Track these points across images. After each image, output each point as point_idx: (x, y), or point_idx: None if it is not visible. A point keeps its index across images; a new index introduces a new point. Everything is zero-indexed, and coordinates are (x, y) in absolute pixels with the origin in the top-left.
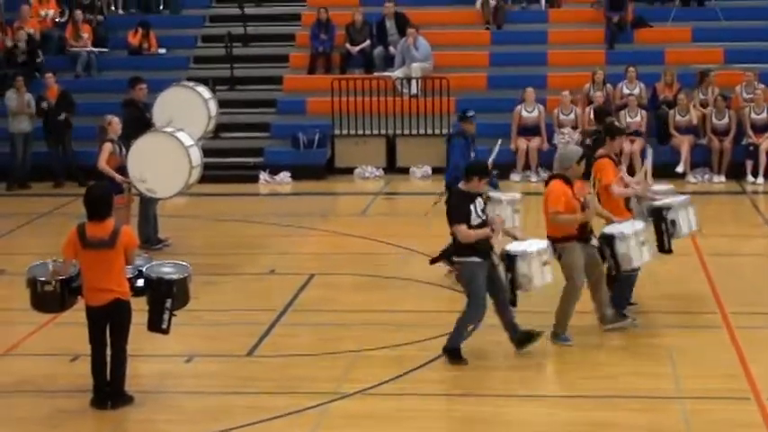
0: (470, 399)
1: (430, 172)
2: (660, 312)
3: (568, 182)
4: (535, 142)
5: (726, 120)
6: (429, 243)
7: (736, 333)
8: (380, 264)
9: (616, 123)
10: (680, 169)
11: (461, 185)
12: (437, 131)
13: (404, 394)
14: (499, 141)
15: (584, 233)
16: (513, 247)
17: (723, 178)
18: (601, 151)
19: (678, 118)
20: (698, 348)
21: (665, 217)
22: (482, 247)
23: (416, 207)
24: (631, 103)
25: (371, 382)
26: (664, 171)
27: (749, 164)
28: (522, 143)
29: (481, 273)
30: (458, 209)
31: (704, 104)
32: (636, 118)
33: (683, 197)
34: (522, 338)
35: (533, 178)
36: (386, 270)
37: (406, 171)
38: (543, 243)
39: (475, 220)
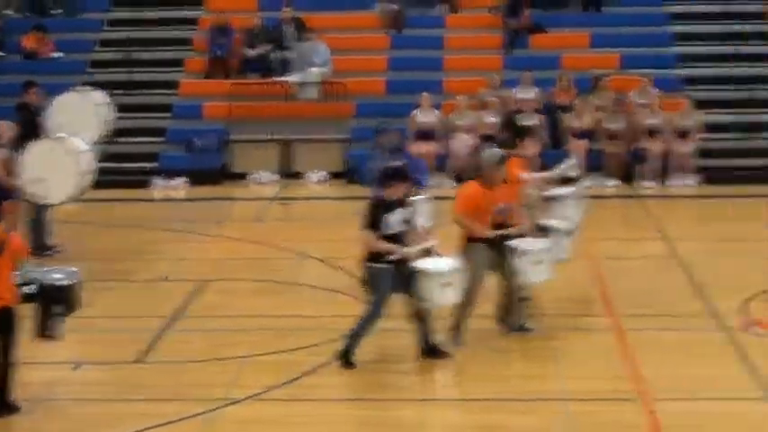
0: (362, 403)
1: (326, 177)
2: (551, 315)
3: (485, 186)
4: (432, 147)
5: (620, 124)
6: (324, 248)
7: (626, 335)
8: (275, 269)
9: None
10: (574, 173)
11: (383, 192)
12: (335, 136)
13: (295, 399)
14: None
15: (499, 237)
16: (422, 262)
17: (616, 182)
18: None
19: (573, 123)
20: (586, 350)
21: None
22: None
23: (312, 212)
24: (527, 107)
25: (262, 387)
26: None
27: (642, 168)
28: (419, 148)
29: (388, 279)
30: (367, 215)
31: (599, 109)
32: (531, 122)
33: (569, 224)
34: (430, 351)
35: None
36: (281, 275)
37: (302, 176)
38: (451, 264)
39: (387, 230)
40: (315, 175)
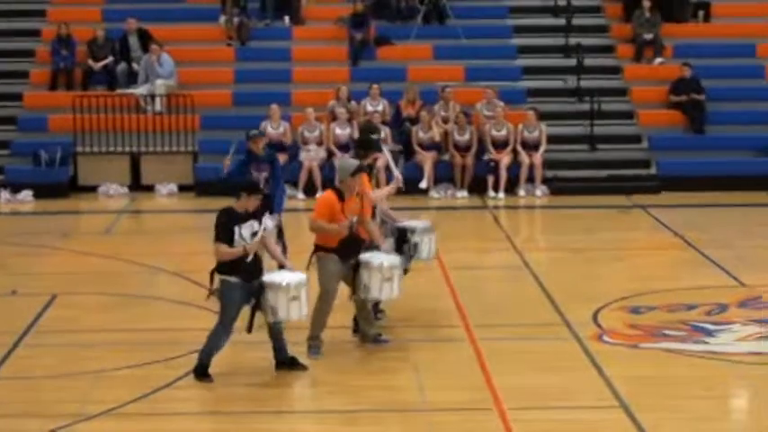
0: (219, 416)
1: (175, 189)
2: (406, 327)
3: (340, 195)
4: (281, 158)
5: (467, 136)
6: (175, 261)
7: (480, 345)
8: (126, 282)
9: (373, 136)
10: (423, 185)
11: (234, 204)
12: (182, 148)
13: (151, 414)
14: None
15: (347, 249)
16: (269, 276)
17: (465, 193)
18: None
19: (421, 135)
20: (442, 361)
21: (408, 239)
22: (245, 268)
23: (162, 225)
24: (375, 120)
25: (117, 402)
26: (408, 187)
27: (490, 179)
28: None
29: (237, 294)
30: (220, 227)
31: (446, 121)
32: (381, 134)
33: (425, 222)
34: (286, 362)
35: None
36: (131, 288)
37: (151, 189)
38: (298, 277)
39: (238, 242)
40: (164, 188)
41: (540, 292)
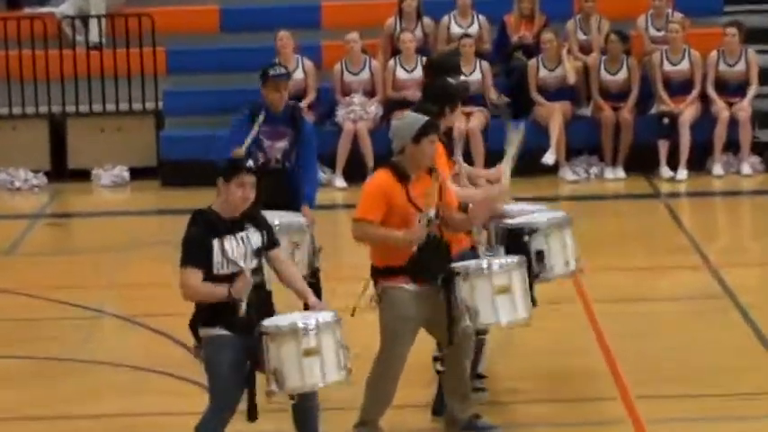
0: None
1: (127, 176)
2: (524, 403)
3: (401, 175)
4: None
5: (623, 74)
6: (127, 299)
7: (647, 429)
8: (43, 336)
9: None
10: (549, 159)
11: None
12: (136, 107)
13: None
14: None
15: (427, 268)
16: (269, 320)
17: (621, 172)
18: None
19: (544, 73)
20: None
21: (527, 245)
22: (232, 314)
23: (103, 237)
24: (465, 49)
25: None
26: (526, 162)
27: (664, 147)
28: None
29: (229, 355)
30: (189, 243)
31: (586, 49)
32: (473, 75)
33: (555, 214)
34: None
35: None
36: (54, 347)
37: (84, 176)
38: (321, 317)
39: (220, 267)
40: (107, 175)
41: (752, 338)
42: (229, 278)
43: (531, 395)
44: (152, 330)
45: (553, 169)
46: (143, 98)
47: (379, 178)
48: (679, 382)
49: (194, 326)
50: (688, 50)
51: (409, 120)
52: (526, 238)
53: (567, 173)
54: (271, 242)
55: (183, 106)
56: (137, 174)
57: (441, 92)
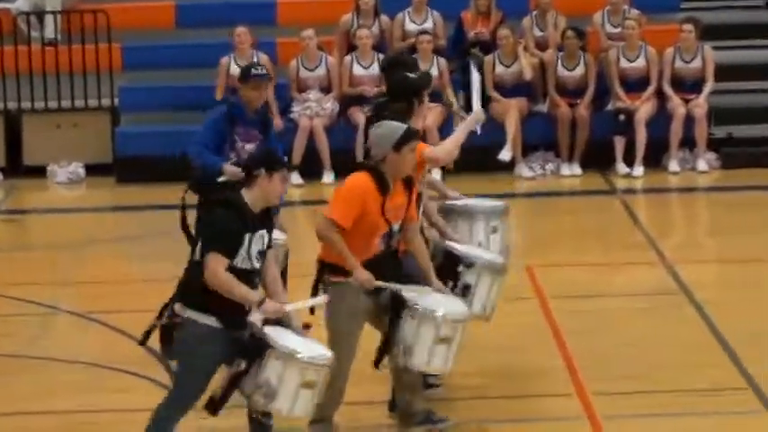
0: None
1: (82, 173)
2: (480, 399)
3: (382, 184)
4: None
5: (580, 70)
6: (83, 296)
7: (605, 427)
8: None
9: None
10: (505, 156)
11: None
12: (92, 103)
13: None
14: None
15: (379, 270)
16: (278, 334)
17: (578, 168)
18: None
19: (500, 69)
20: None
21: (458, 275)
22: (229, 308)
23: (58, 234)
24: (423, 45)
25: None
26: (481, 158)
27: (620, 144)
28: None
29: (217, 347)
30: (225, 233)
31: (542, 45)
32: (430, 71)
33: (494, 258)
34: None
35: None
36: (7, 344)
37: (39, 172)
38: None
39: (243, 262)
40: (62, 171)
41: (707, 334)
42: (244, 273)
43: (486, 391)
44: (107, 327)
45: (509, 165)
46: (98, 94)
47: (360, 182)
48: (635, 379)
49: (178, 300)
50: (644, 47)
51: (389, 128)
52: (461, 268)
53: (523, 169)
54: (270, 244)
55: (138, 102)
56: (92, 170)
57: (405, 86)
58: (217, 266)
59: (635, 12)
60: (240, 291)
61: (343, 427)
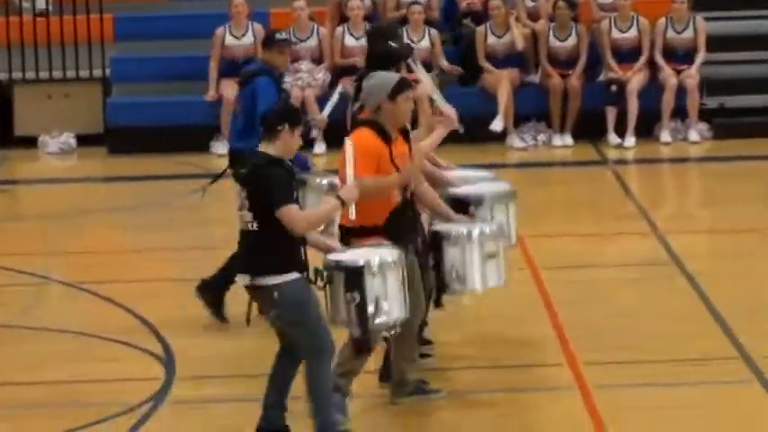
0: None
1: (73, 143)
2: (471, 369)
3: (384, 135)
4: None
5: (571, 41)
6: (74, 266)
7: (596, 396)
8: None
9: (394, 47)
10: (497, 126)
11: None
12: (83, 74)
13: None
14: (339, 88)
15: (403, 229)
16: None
17: (569, 139)
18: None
19: (492, 40)
20: (533, 426)
21: (472, 216)
22: (300, 257)
23: (50, 204)
24: (414, 16)
25: None
26: (472, 128)
27: (612, 114)
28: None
29: (312, 293)
30: (284, 185)
31: (534, 16)
32: (422, 42)
33: (503, 186)
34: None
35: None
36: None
37: (30, 143)
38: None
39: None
40: (53, 142)
41: (698, 304)
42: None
43: (477, 361)
44: (98, 297)
45: (501, 136)
46: (90, 65)
47: (367, 137)
48: (626, 349)
49: (262, 273)
50: (636, 18)
51: (382, 77)
52: (472, 208)
53: (514, 140)
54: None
55: (129, 73)
56: (83, 141)
57: (384, 55)
58: (297, 214)
59: None
60: (325, 210)
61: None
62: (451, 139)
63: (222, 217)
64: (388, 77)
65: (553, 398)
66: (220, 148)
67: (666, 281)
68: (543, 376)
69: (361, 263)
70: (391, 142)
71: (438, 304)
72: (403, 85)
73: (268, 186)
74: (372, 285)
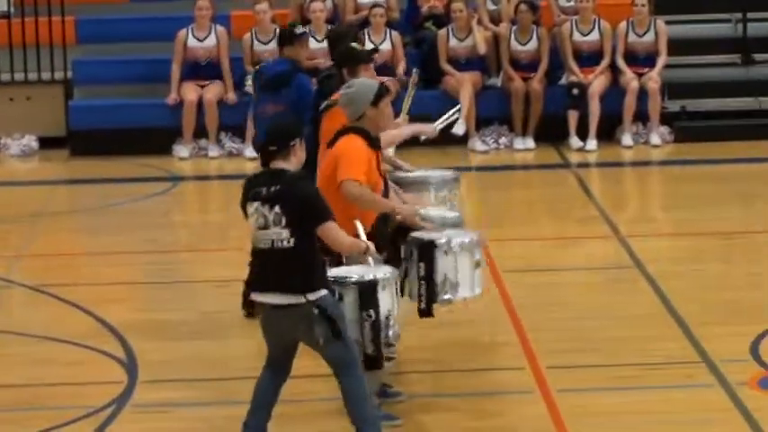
0: None
1: (35, 146)
2: (434, 373)
3: (371, 142)
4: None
5: (533, 44)
6: (37, 269)
7: (558, 401)
8: None
9: (357, 47)
10: (459, 130)
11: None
12: (45, 76)
13: None
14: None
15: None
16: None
17: (531, 142)
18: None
19: (454, 43)
20: (491, 430)
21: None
22: (324, 275)
23: (12, 205)
24: (376, 18)
25: None
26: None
27: (573, 118)
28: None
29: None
30: (322, 199)
31: (496, 19)
32: (383, 45)
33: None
34: None
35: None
36: None
37: None
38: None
39: None
40: (15, 144)
41: (660, 308)
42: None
43: (439, 365)
44: (61, 300)
45: (463, 139)
46: (52, 68)
47: (358, 143)
48: (588, 352)
49: (299, 290)
50: (598, 21)
51: (362, 85)
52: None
53: (476, 143)
54: None
55: (92, 76)
56: (46, 143)
57: (347, 55)
58: (339, 231)
59: None
60: (355, 241)
61: (287, 402)
62: (414, 142)
63: (185, 221)
64: (368, 85)
65: (515, 402)
66: (182, 151)
67: (628, 284)
68: (505, 380)
69: (374, 277)
70: (378, 149)
71: (428, 314)
72: (383, 91)
73: (310, 203)
74: (384, 301)
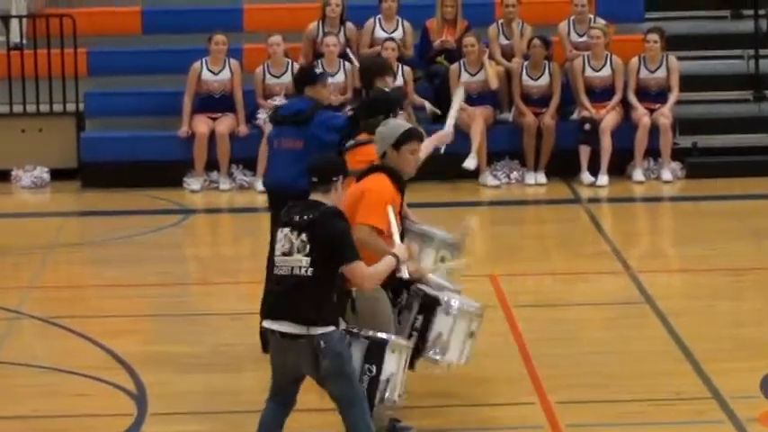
0: None
1: (47, 177)
2: (445, 408)
3: (398, 182)
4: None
5: (545, 80)
6: (48, 301)
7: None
8: None
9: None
10: (470, 164)
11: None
12: (57, 108)
13: None
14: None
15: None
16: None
17: (543, 177)
18: (364, 136)
19: (466, 77)
20: None
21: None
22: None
23: (23, 237)
24: (387, 52)
25: None
26: (446, 166)
27: (585, 153)
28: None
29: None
30: (352, 238)
31: (508, 54)
32: (395, 81)
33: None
34: None
35: None
36: None
37: (4, 176)
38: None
39: None
40: (26, 176)
41: (671, 344)
42: None
43: (449, 399)
44: (71, 332)
45: (474, 174)
46: (64, 99)
47: (385, 184)
48: (598, 388)
49: (311, 323)
50: (610, 57)
51: (392, 126)
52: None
53: (488, 178)
54: None
55: (104, 108)
56: (57, 175)
57: (380, 102)
58: (366, 269)
59: (600, 21)
60: (384, 266)
61: None
62: (425, 176)
63: (196, 253)
64: (396, 126)
65: None
66: (193, 183)
67: (639, 320)
68: (515, 415)
69: (386, 338)
70: (403, 191)
71: (410, 366)
72: (408, 136)
73: (341, 240)
74: (389, 364)
